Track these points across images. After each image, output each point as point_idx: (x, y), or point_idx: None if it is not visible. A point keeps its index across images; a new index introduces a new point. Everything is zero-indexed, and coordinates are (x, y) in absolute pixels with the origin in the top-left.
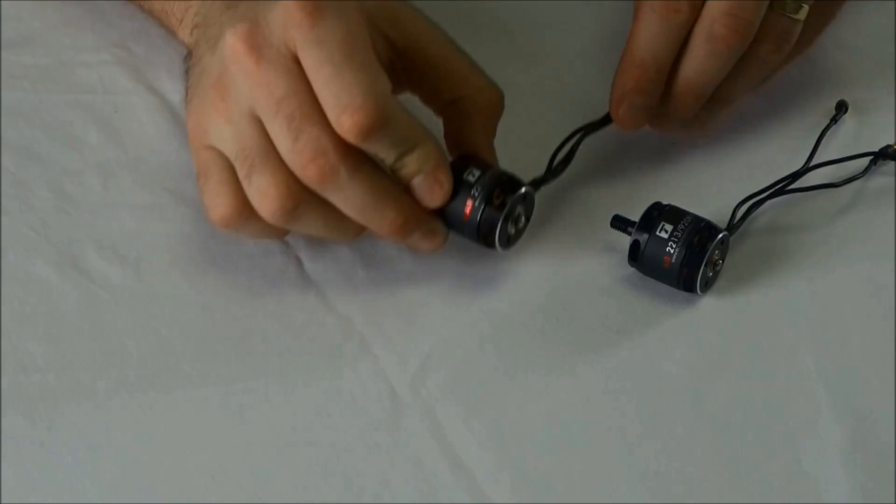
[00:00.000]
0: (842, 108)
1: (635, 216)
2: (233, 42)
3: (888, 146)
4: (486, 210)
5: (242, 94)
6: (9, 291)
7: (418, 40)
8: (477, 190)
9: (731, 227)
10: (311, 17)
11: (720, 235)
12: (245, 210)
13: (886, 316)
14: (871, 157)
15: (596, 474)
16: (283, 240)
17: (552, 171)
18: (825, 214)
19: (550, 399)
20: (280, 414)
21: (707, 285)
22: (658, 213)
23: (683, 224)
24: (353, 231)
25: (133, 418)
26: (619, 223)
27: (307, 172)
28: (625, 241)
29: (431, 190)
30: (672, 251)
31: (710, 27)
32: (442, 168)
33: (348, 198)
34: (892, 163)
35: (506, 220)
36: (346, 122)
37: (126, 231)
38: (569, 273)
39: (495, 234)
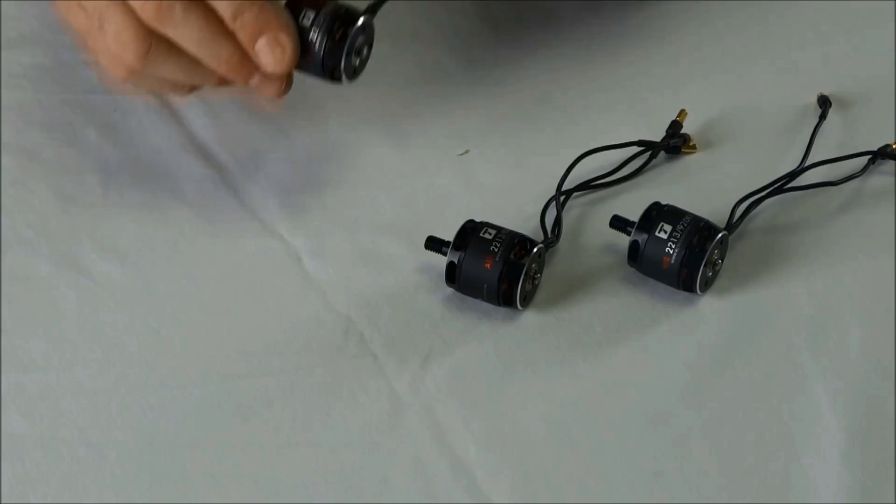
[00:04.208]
0: (826, 103)
1: (634, 216)
2: None
3: (887, 145)
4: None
5: None
6: (9, 291)
7: None
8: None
9: (730, 226)
10: None
11: (719, 235)
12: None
13: (886, 314)
14: (869, 157)
15: (596, 474)
16: (283, 239)
17: (556, 234)
18: (824, 213)
19: (550, 399)
20: (280, 413)
21: (707, 285)
22: (657, 213)
23: (682, 224)
24: (213, 74)
25: (133, 418)
26: (619, 223)
27: (145, 11)
28: (624, 241)
29: (273, 52)
30: (671, 251)
31: None
32: (285, 30)
33: (185, 33)
34: (891, 162)
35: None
36: None
37: (126, 231)
38: (569, 273)
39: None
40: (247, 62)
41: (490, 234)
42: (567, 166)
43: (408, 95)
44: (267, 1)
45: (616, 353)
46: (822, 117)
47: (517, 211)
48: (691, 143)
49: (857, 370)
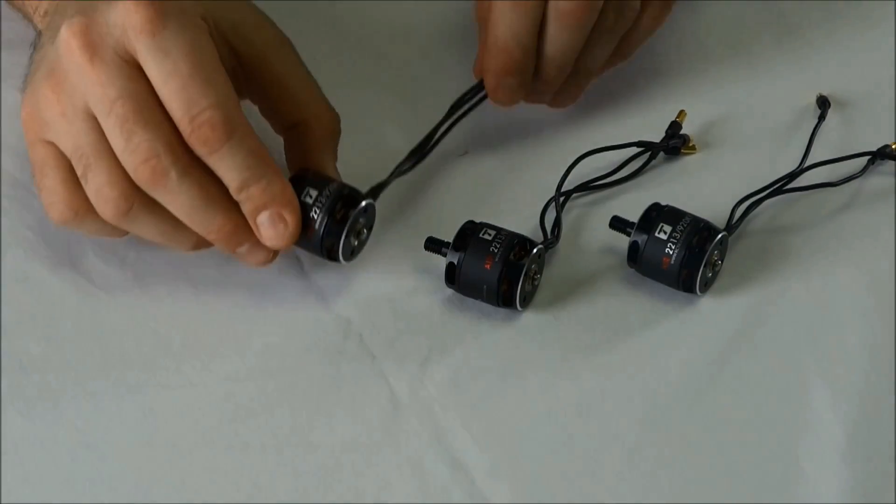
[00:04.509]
0: (825, 104)
1: (634, 217)
2: (67, 37)
3: (886, 146)
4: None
5: (77, 90)
6: (9, 291)
7: (263, 53)
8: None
9: (730, 227)
10: (153, 25)
11: (719, 236)
12: (82, 209)
13: (886, 315)
14: (869, 157)
15: (595, 474)
16: None
17: (555, 235)
18: (824, 214)
19: (550, 399)
20: (279, 414)
21: (706, 285)
22: (657, 213)
23: (682, 225)
24: (190, 240)
25: (133, 419)
26: (618, 224)
27: (138, 173)
28: (624, 241)
29: (275, 227)
30: (671, 252)
31: (557, 5)
32: (289, 207)
33: (177, 200)
34: (891, 162)
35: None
36: (194, 134)
37: None
38: (568, 273)
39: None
40: (239, 232)
41: (490, 234)
42: (567, 167)
43: (408, 95)
44: (273, 174)
45: (616, 353)
46: (822, 118)
47: (517, 211)
48: (691, 144)
49: (857, 370)
